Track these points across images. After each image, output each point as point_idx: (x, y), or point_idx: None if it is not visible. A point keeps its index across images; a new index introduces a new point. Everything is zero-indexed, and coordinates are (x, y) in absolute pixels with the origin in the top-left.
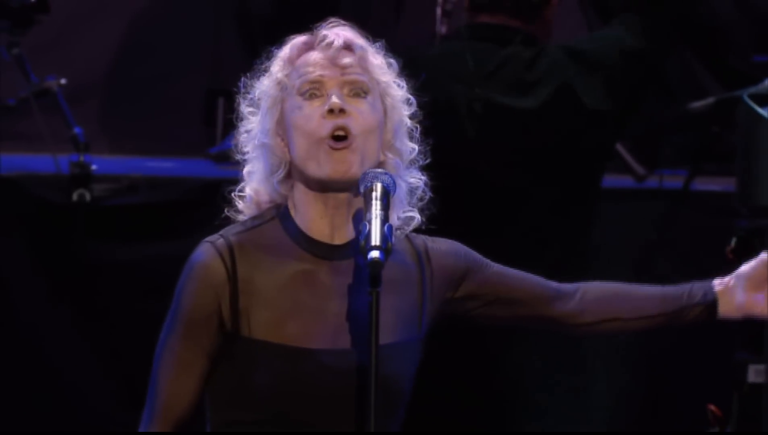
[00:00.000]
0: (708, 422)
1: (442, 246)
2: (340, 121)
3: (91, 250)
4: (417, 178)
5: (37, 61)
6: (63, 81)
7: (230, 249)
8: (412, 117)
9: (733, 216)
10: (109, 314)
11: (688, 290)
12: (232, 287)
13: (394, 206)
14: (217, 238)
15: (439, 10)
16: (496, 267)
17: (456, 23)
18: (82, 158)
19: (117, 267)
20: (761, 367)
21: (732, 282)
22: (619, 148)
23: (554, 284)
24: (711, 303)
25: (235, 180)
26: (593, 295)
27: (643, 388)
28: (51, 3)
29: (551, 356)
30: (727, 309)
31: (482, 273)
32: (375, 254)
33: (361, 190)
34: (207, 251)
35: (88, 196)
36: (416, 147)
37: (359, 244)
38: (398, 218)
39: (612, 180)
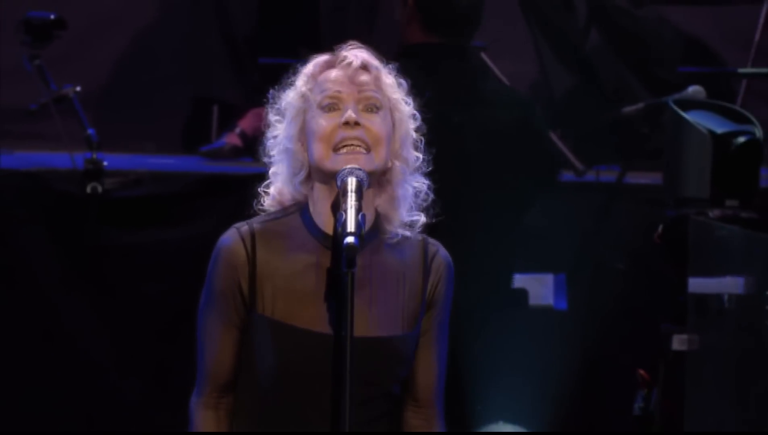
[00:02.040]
0: (638, 385)
1: (443, 267)
2: (354, 133)
3: (103, 235)
4: (421, 183)
5: (55, 71)
6: (78, 88)
7: (252, 235)
8: (417, 130)
9: (660, 206)
10: (118, 291)
11: None
12: (251, 268)
13: (400, 206)
14: (243, 225)
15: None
16: (436, 327)
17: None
18: (94, 156)
19: (125, 250)
20: (684, 337)
21: None
22: (561, 146)
23: (435, 394)
24: None
25: (227, 176)
26: None
27: (581, 356)
28: (67, 20)
29: (499, 341)
30: None
31: (428, 315)
32: (350, 240)
33: (338, 184)
34: (232, 236)
35: (100, 189)
36: (420, 156)
37: (336, 230)
38: (406, 218)
39: None
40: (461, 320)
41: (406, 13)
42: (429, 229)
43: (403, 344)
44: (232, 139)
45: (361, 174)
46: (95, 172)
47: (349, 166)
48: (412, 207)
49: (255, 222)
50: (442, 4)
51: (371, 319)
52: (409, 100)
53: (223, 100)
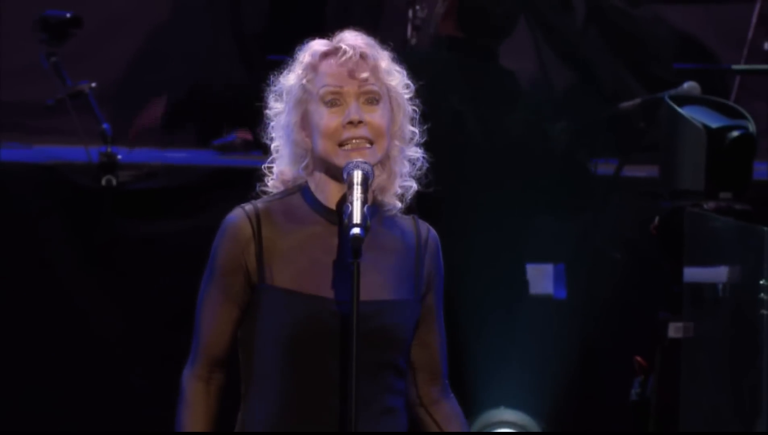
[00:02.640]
0: (635, 371)
1: (435, 246)
2: (358, 132)
3: (117, 226)
4: (416, 153)
5: (71, 68)
6: (93, 84)
7: (257, 213)
8: (411, 102)
9: (657, 198)
10: (131, 278)
11: None
12: (256, 244)
13: (396, 179)
14: (248, 205)
15: (409, 25)
16: (437, 306)
17: (423, 36)
18: (109, 149)
19: (138, 240)
20: (679, 324)
21: None
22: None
23: (444, 368)
24: None
25: (237, 169)
26: (445, 413)
27: (579, 343)
28: (83, 19)
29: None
30: None
31: (429, 296)
32: (356, 230)
33: (345, 177)
34: (237, 214)
35: (114, 181)
36: (416, 129)
37: (343, 222)
38: (400, 186)
39: None
40: (465, 307)
41: (444, 7)
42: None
43: (405, 308)
44: (242, 133)
45: (367, 167)
46: (110, 165)
47: (354, 160)
48: (405, 176)
49: (259, 202)
50: (479, 12)
51: (374, 284)
52: (401, 70)
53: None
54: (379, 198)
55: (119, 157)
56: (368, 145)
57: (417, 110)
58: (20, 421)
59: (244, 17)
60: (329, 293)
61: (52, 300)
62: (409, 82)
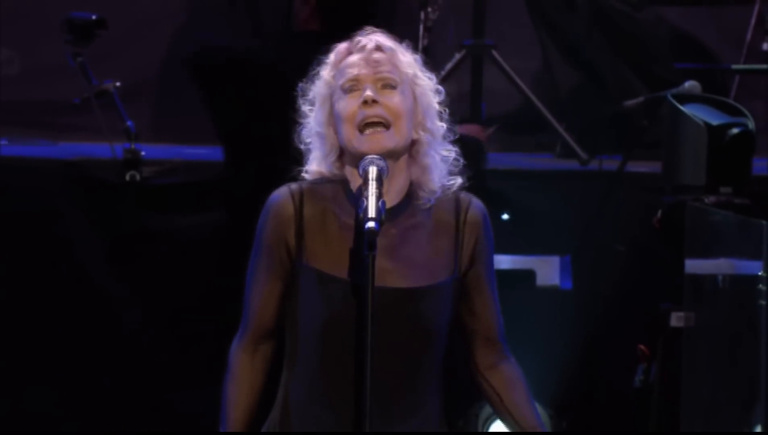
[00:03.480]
0: (638, 359)
1: (479, 218)
2: (372, 110)
3: (141, 219)
4: (449, 151)
5: (96, 68)
6: (118, 84)
7: (301, 192)
8: (441, 103)
9: (659, 193)
10: (154, 271)
11: None
12: (297, 222)
13: (431, 173)
14: (294, 184)
15: (421, 27)
16: (486, 275)
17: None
18: (133, 146)
19: (160, 232)
20: (681, 314)
21: None
22: (567, 137)
23: (499, 332)
24: None
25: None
26: (502, 378)
27: (584, 332)
28: (108, 20)
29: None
30: None
31: (476, 267)
32: (371, 224)
33: (360, 172)
34: (282, 192)
35: (138, 177)
36: (445, 126)
37: (358, 216)
38: (440, 184)
39: (561, 163)
40: None
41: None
42: None
43: (440, 292)
44: None
45: (382, 163)
46: (133, 161)
47: (369, 156)
48: (444, 174)
49: (305, 183)
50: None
51: (404, 274)
52: (431, 75)
53: None
54: (417, 192)
55: (142, 153)
56: (385, 129)
57: (446, 110)
58: (46, 412)
59: (260, 18)
60: (360, 280)
61: (77, 293)
62: (440, 87)
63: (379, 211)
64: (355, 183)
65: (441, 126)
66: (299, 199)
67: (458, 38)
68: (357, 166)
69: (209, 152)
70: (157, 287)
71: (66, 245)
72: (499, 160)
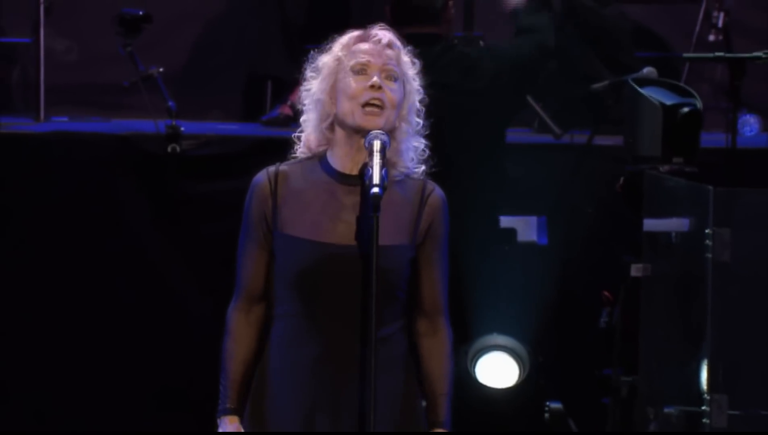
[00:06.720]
0: (603, 303)
1: (438, 202)
2: (377, 94)
3: (181, 185)
4: (420, 142)
5: (143, 55)
6: (161, 69)
7: (276, 173)
8: (420, 102)
9: (622, 162)
10: (192, 227)
11: (432, 413)
12: (273, 199)
13: (402, 156)
14: (271, 166)
15: None
16: (435, 255)
17: None
18: (174, 122)
19: (198, 197)
20: (639, 265)
21: None
22: (543, 114)
23: (439, 308)
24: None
25: (279, 139)
26: (427, 348)
27: (558, 281)
28: (152, 15)
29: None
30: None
31: (427, 245)
32: (375, 190)
33: (366, 145)
34: (261, 175)
35: (178, 149)
36: (421, 121)
37: (364, 183)
38: (407, 168)
39: (538, 137)
40: (464, 252)
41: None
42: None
43: (401, 252)
44: (284, 109)
45: (385, 138)
46: (174, 135)
47: (375, 131)
48: (413, 160)
49: (281, 165)
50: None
51: (382, 231)
52: (417, 78)
53: (276, 77)
54: (390, 170)
55: (182, 129)
56: (380, 111)
57: (423, 109)
58: (101, 366)
59: (287, 10)
60: (331, 239)
61: (127, 252)
62: (421, 90)
63: (382, 178)
64: (338, 152)
65: (418, 121)
66: (275, 179)
67: None
68: (344, 132)
69: (239, 128)
70: (192, 238)
71: (116, 210)
72: None
